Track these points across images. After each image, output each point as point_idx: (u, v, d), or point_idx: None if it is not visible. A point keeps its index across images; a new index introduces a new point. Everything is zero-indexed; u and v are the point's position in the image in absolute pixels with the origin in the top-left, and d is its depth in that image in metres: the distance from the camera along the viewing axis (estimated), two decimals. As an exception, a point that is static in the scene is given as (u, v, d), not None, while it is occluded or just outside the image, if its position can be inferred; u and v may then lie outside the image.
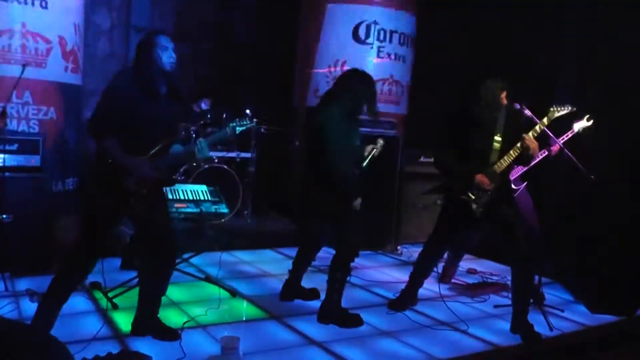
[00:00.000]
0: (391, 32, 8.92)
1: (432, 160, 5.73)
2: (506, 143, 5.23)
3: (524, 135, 5.11)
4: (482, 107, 5.26)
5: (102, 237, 4.37)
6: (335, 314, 5.39)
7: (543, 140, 5.73)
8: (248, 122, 4.47)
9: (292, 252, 7.04)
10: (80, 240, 4.39)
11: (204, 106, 8.70)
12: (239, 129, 4.45)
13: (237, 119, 4.47)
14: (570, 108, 5.22)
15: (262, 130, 8.75)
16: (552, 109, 5.18)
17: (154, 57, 4.28)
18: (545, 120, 5.15)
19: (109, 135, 4.13)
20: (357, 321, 5.41)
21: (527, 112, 5.31)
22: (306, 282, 6.04)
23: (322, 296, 5.59)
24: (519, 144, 5.13)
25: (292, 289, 5.95)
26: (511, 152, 5.18)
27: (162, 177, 4.42)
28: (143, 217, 4.37)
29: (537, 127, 5.15)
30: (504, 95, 5.28)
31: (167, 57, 4.33)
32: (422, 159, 8.59)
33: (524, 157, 5.25)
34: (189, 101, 6.13)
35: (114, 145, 4.14)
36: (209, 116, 8.77)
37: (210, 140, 4.49)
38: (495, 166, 5.23)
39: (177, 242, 4.67)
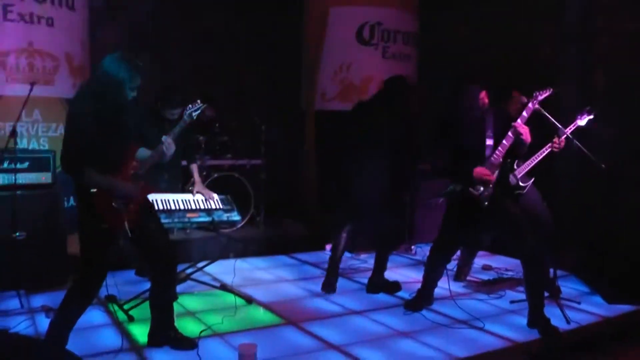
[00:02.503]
0: (395, 32, 8.92)
1: (429, 167, 5.98)
2: (498, 139, 5.29)
3: (513, 124, 5.16)
4: (464, 111, 5.41)
5: (104, 258, 4.38)
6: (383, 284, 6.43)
7: (548, 135, 5.76)
8: (200, 104, 4.70)
9: (306, 256, 7.06)
10: (84, 262, 4.40)
11: (207, 113, 8.69)
12: (195, 114, 4.66)
13: (189, 105, 4.68)
14: (550, 90, 5.30)
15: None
16: (534, 94, 5.27)
17: (123, 88, 4.29)
18: (530, 105, 5.23)
19: (86, 166, 4.13)
20: (397, 287, 6.44)
21: (536, 106, 5.33)
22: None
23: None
24: (510, 133, 5.19)
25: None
26: (504, 141, 5.23)
27: (145, 187, 4.49)
28: (137, 231, 4.38)
29: (524, 113, 5.21)
30: (483, 95, 5.40)
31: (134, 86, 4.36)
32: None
33: (517, 145, 5.26)
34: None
35: (94, 174, 4.15)
36: (217, 125, 8.79)
37: (174, 134, 4.62)
38: (492, 158, 5.28)
39: (175, 248, 4.69)
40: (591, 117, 5.87)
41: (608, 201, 7.24)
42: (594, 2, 7.75)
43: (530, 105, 5.25)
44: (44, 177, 6.21)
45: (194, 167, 6.55)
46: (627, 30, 7.31)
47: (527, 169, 5.97)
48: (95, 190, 4.17)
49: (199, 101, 4.66)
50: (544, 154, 5.92)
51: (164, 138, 4.50)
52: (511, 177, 5.73)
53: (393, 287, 6.44)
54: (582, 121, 5.86)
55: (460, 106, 5.47)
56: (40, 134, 6.96)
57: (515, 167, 5.69)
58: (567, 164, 6.31)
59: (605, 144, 6.50)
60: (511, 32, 8.78)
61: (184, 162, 6.65)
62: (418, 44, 9.33)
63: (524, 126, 5.15)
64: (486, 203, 5.30)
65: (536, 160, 5.95)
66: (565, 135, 5.71)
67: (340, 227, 6.47)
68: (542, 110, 5.49)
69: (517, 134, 5.14)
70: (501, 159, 5.30)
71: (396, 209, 6.42)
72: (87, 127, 4.13)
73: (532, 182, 6.02)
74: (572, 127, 5.82)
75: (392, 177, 6.15)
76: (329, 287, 6.38)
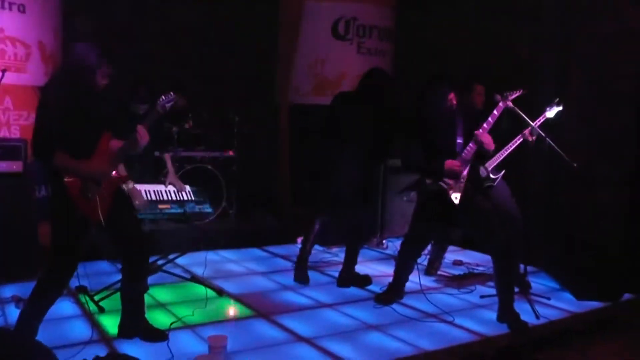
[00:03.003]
0: (371, 27, 8.93)
1: (400, 165, 6.06)
2: (468, 136, 5.39)
3: (475, 132, 5.29)
4: (432, 111, 5.52)
5: (76, 247, 4.36)
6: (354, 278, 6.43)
7: (518, 127, 5.83)
8: (172, 96, 4.52)
9: (278, 249, 7.07)
10: (55, 253, 4.37)
11: (180, 103, 8.62)
12: (167, 105, 4.50)
13: (162, 97, 4.50)
14: (521, 91, 5.43)
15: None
16: (504, 94, 5.37)
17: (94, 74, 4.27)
18: (501, 104, 5.34)
19: (58, 151, 4.10)
20: (368, 280, 6.44)
21: (509, 105, 5.41)
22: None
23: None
24: (471, 144, 5.33)
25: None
26: (470, 143, 5.33)
27: (118, 176, 4.47)
28: (110, 220, 4.37)
29: (494, 111, 5.31)
30: (451, 97, 5.47)
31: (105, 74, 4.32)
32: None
33: (481, 152, 5.40)
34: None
35: (66, 159, 4.13)
36: (190, 115, 8.74)
37: (148, 123, 4.48)
38: (463, 154, 5.38)
39: (146, 238, 4.68)
40: (560, 108, 5.97)
41: (579, 198, 7.32)
42: (572, 4, 7.82)
43: (500, 104, 5.32)
44: (15, 166, 6.13)
45: (167, 157, 6.52)
46: (604, 32, 7.40)
47: (497, 162, 6.02)
48: (68, 177, 4.14)
49: (171, 93, 4.60)
50: (514, 147, 5.98)
51: (138, 127, 4.45)
52: (482, 170, 5.79)
53: (364, 281, 6.45)
54: (551, 113, 5.95)
55: (427, 108, 5.51)
56: (12, 122, 6.88)
57: (485, 159, 5.76)
58: (539, 162, 6.37)
59: (578, 143, 6.58)
60: (489, 30, 8.83)
61: (157, 153, 6.62)
62: (394, 40, 9.35)
63: (485, 135, 5.27)
64: (457, 197, 5.36)
65: (506, 153, 6.02)
66: (537, 133, 5.76)
67: (312, 219, 6.51)
68: (515, 108, 5.54)
69: (480, 143, 5.24)
70: (472, 155, 5.36)
71: (368, 203, 6.45)
72: (58, 113, 4.10)
73: (503, 176, 6.09)
74: (540, 119, 5.91)
75: (366, 171, 6.23)
76: (300, 278, 6.47)
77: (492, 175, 5.82)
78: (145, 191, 5.69)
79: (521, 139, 5.91)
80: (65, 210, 4.21)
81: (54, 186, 4.27)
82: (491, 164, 5.89)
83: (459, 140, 5.43)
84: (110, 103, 4.56)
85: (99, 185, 4.26)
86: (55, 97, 4.15)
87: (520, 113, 5.63)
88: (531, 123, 5.74)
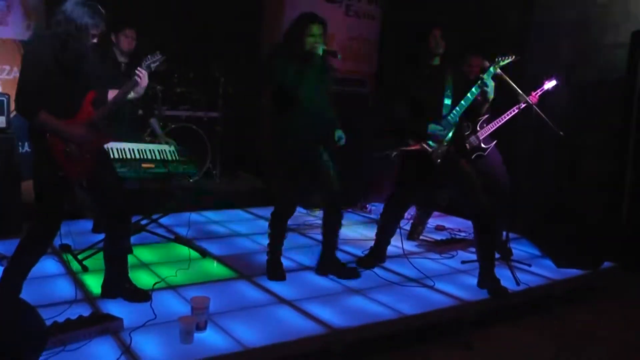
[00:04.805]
0: (359, -10, 8.89)
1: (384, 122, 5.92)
2: (457, 99, 5.33)
3: (481, 75, 5.20)
4: (425, 57, 5.38)
5: (59, 206, 4.35)
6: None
7: (510, 100, 5.82)
8: (159, 56, 4.48)
9: (262, 211, 7.06)
10: (39, 210, 4.36)
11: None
12: (153, 66, 4.45)
13: (148, 56, 4.46)
14: (513, 57, 5.35)
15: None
16: (497, 59, 5.31)
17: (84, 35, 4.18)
18: (491, 69, 5.26)
19: (41, 109, 4.05)
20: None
21: (497, 71, 5.38)
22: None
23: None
24: (469, 94, 5.23)
25: None
26: (462, 101, 5.27)
27: (101, 136, 4.44)
28: (92, 180, 4.36)
29: (490, 69, 5.23)
30: (444, 43, 5.35)
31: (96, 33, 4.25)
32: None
33: (480, 100, 5.31)
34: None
35: (49, 118, 4.08)
36: (175, 75, 8.69)
37: (148, 67, 4.43)
38: (449, 117, 5.32)
39: (129, 199, 4.66)
40: (557, 82, 6.02)
41: (564, 167, 7.36)
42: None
43: (491, 70, 5.29)
44: (-2, 122, 6.10)
45: (154, 122, 6.50)
46: (596, 1, 7.39)
47: (490, 131, 6.03)
48: (49, 135, 4.11)
49: (158, 52, 4.54)
50: (508, 118, 5.99)
51: (138, 69, 4.39)
52: (473, 139, 5.79)
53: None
54: (549, 84, 5.98)
55: (421, 52, 5.41)
56: (-6, 77, 6.83)
57: (478, 128, 5.74)
58: (526, 130, 6.39)
59: (565, 111, 6.61)
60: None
61: (140, 112, 6.58)
62: (383, 4, 9.29)
63: (490, 80, 5.19)
64: (439, 160, 5.36)
65: (500, 123, 6.02)
66: (525, 100, 5.76)
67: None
68: (504, 75, 5.52)
69: (483, 86, 5.16)
70: (458, 119, 5.34)
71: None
72: (44, 71, 4.05)
73: (495, 145, 6.09)
74: (538, 92, 5.91)
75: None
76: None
77: (483, 145, 5.81)
78: (129, 149, 5.65)
79: (514, 113, 5.91)
80: (48, 168, 4.18)
81: (36, 144, 4.23)
82: (483, 133, 5.89)
83: (447, 102, 5.38)
84: (97, 60, 4.50)
85: (81, 146, 4.23)
86: (41, 56, 4.09)
87: (509, 80, 5.61)
88: (520, 92, 5.73)
